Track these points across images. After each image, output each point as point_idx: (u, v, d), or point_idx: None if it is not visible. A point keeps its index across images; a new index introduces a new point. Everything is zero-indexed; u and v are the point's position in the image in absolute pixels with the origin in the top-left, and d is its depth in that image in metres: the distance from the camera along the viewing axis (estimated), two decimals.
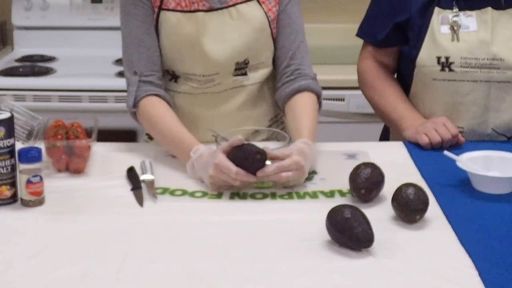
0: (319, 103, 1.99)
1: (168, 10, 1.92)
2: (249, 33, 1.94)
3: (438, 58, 2.03)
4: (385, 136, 2.32)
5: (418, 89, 2.11)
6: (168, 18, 1.92)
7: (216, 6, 1.93)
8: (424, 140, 1.96)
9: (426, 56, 2.05)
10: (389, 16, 2.12)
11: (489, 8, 2.03)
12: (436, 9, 2.05)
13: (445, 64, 2.03)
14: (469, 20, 2.03)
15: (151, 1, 1.92)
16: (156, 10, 1.92)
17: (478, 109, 2.05)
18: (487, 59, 2.01)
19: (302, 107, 1.93)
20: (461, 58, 2.02)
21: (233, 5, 1.94)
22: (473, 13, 2.03)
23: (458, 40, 2.02)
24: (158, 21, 1.93)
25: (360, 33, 2.23)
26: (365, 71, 2.21)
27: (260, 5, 1.96)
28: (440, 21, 2.04)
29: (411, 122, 2.05)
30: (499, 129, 2.07)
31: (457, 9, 2.04)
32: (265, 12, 1.95)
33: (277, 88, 2.02)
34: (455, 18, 2.03)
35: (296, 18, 1.99)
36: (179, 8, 1.91)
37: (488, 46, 2.01)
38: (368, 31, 2.20)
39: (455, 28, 2.02)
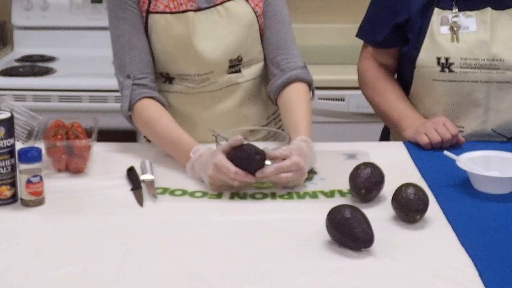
0: (312, 91, 2.00)
1: (157, 13, 1.92)
2: (238, 30, 1.95)
3: (438, 59, 2.03)
4: (385, 136, 2.32)
5: (418, 90, 2.11)
6: (158, 21, 1.92)
7: (203, 6, 1.93)
8: (424, 140, 1.96)
9: (426, 57, 2.05)
10: (389, 17, 2.12)
11: (489, 9, 2.03)
12: (436, 10, 2.05)
13: (445, 65, 2.03)
14: (468, 20, 2.03)
15: (139, 5, 1.92)
16: (144, 14, 1.92)
17: (478, 110, 2.05)
18: (487, 59, 2.01)
19: (295, 100, 1.93)
20: (461, 58, 2.02)
21: (220, 3, 1.94)
22: (473, 13, 2.03)
23: (457, 40, 2.02)
24: (148, 25, 1.93)
25: (360, 34, 2.23)
26: (366, 72, 2.22)
27: (247, 1, 1.96)
28: (440, 22, 2.04)
29: (411, 122, 2.05)
30: (499, 130, 2.07)
31: (457, 10, 2.04)
32: (252, 8, 1.96)
33: (268, 81, 2.02)
34: (454, 19, 2.03)
35: (280, 9, 2.00)
36: (167, 10, 1.91)
37: (488, 47, 2.01)
38: (368, 32, 2.20)
39: (455, 28, 2.02)
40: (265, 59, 2.04)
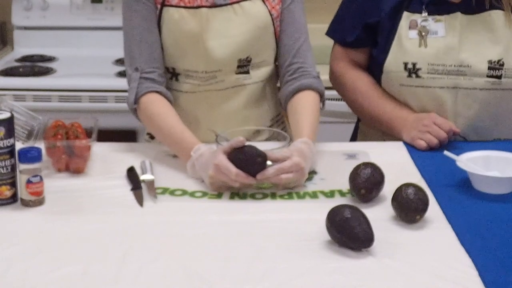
0: (322, 102, 1.99)
1: (171, 6, 1.92)
2: (252, 30, 1.94)
3: (405, 64, 2.01)
4: (355, 135, 2.30)
5: None
6: (171, 14, 1.92)
7: (219, 2, 1.93)
8: (421, 146, 1.95)
9: (393, 61, 2.02)
10: (360, 17, 2.09)
11: (458, 13, 1.99)
12: (405, 14, 2.02)
13: (412, 70, 2.00)
14: (437, 25, 2.00)
15: None
16: (159, 6, 1.92)
17: (445, 116, 2.02)
18: (454, 65, 1.98)
19: (303, 106, 1.92)
20: (428, 64, 1.99)
21: (237, 2, 1.94)
22: (442, 17, 2.00)
23: (425, 46, 1.99)
24: (161, 17, 1.93)
25: (330, 33, 2.20)
26: (343, 74, 2.16)
27: (264, 2, 1.96)
28: (409, 26, 2.01)
29: (402, 122, 2.02)
30: (467, 136, 2.05)
31: (426, 14, 2.01)
32: (269, 10, 1.96)
33: (280, 86, 2.02)
34: (423, 23, 2.00)
35: (299, 17, 1.99)
36: (182, 4, 1.91)
37: (456, 52, 1.98)
38: (338, 31, 2.16)
39: (423, 33, 1.99)
40: (278, 64, 2.03)
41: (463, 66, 1.98)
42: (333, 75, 2.21)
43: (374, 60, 2.10)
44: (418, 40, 2.00)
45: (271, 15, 1.96)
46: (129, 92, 1.94)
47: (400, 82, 2.03)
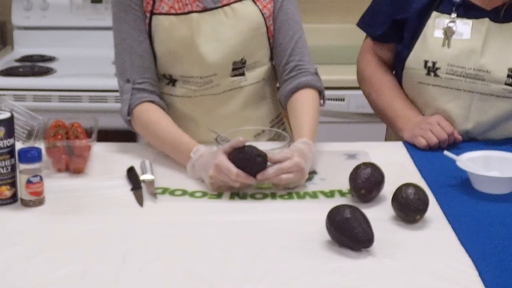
0: (322, 98, 1.99)
1: (161, 14, 1.91)
2: (245, 32, 1.94)
3: (426, 62, 2.02)
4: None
5: (407, 91, 2.11)
6: (161, 22, 1.91)
7: (210, 6, 1.92)
8: (421, 143, 1.95)
9: (414, 58, 2.03)
10: (390, 12, 2.10)
11: (487, 19, 1.99)
12: (434, 13, 2.03)
13: (431, 69, 2.01)
14: (464, 28, 2.00)
15: (142, 7, 1.91)
16: (148, 15, 1.91)
17: (458, 118, 2.02)
18: (474, 69, 1.97)
19: (302, 105, 1.92)
20: (447, 64, 1.99)
21: (227, 4, 1.93)
22: (470, 21, 2.00)
23: (448, 46, 2.00)
24: (151, 26, 1.92)
25: (360, 24, 2.22)
26: (364, 67, 2.20)
27: (255, 3, 1.95)
28: (436, 25, 2.02)
29: (405, 122, 2.04)
30: (476, 138, 2.04)
31: (455, 15, 2.01)
32: (260, 10, 1.95)
33: (279, 86, 2.02)
34: (450, 24, 2.01)
35: (293, 14, 1.99)
36: (172, 11, 1.90)
37: (477, 57, 1.97)
38: (368, 23, 2.19)
39: (448, 34, 2.00)
40: (275, 63, 2.03)
41: (482, 71, 1.97)
42: (357, 66, 2.25)
43: (398, 56, 2.12)
44: (442, 40, 2.00)
45: (262, 14, 1.95)
46: (122, 104, 1.94)
47: (419, 80, 2.04)
